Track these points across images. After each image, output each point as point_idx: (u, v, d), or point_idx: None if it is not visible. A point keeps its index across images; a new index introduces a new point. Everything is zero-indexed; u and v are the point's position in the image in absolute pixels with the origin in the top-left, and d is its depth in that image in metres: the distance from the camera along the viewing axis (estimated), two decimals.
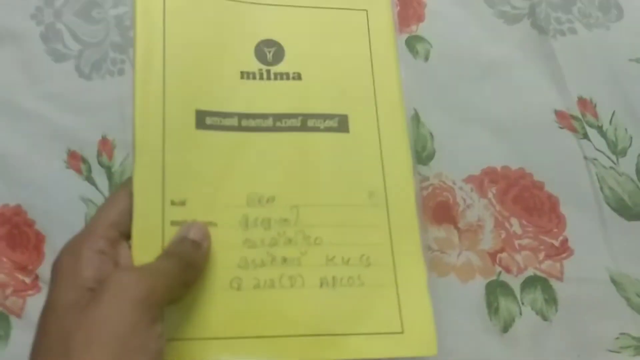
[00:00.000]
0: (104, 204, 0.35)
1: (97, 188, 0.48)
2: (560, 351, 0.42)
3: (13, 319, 0.46)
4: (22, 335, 0.45)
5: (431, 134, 0.48)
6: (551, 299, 0.43)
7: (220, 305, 0.33)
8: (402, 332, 0.34)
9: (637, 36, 0.50)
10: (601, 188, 0.45)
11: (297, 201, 0.36)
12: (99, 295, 0.28)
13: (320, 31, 0.40)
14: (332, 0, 0.40)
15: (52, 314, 0.29)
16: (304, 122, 0.37)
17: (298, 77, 0.38)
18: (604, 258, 0.44)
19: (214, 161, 0.35)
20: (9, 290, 0.46)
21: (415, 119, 0.48)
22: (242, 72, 0.38)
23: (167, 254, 0.32)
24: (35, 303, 0.46)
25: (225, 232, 0.34)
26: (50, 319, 0.29)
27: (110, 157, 0.49)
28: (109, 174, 0.49)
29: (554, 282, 0.43)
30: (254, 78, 0.38)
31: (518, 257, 0.44)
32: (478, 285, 0.44)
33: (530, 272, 0.44)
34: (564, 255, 0.44)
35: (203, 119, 0.36)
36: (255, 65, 0.38)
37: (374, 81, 0.39)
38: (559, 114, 0.48)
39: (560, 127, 0.47)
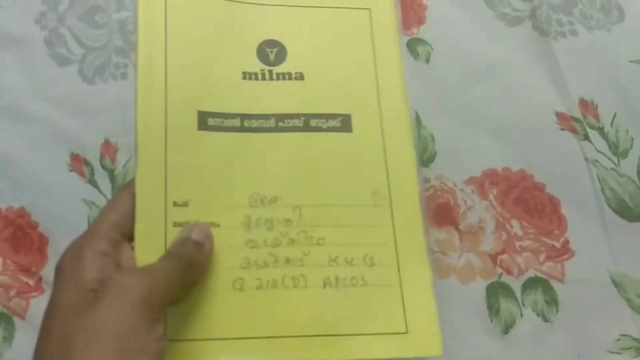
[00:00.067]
0: (107, 205, 0.35)
1: (99, 190, 0.48)
2: (561, 352, 0.42)
3: (17, 321, 0.46)
4: (26, 337, 0.45)
5: (432, 136, 0.48)
6: (552, 301, 0.43)
7: (222, 305, 0.33)
8: (406, 332, 0.34)
9: (638, 38, 0.50)
10: (602, 189, 0.45)
11: (299, 201, 0.36)
12: (100, 296, 0.29)
13: (323, 31, 0.39)
14: None
15: (55, 316, 0.29)
16: (307, 122, 0.37)
17: (300, 77, 0.38)
18: (605, 259, 0.44)
19: (216, 162, 0.35)
20: (12, 292, 0.47)
21: (417, 121, 0.48)
22: (244, 73, 0.37)
23: (169, 254, 0.32)
24: (39, 305, 0.46)
25: (227, 233, 0.34)
26: (53, 321, 0.29)
27: (113, 160, 0.49)
28: (112, 177, 0.49)
29: (554, 284, 0.43)
30: (256, 79, 0.37)
31: (519, 259, 0.44)
32: (479, 286, 0.44)
33: (531, 273, 0.44)
34: (564, 256, 0.44)
35: (205, 120, 0.36)
36: (257, 66, 0.38)
37: (377, 80, 0.39)
38: (560, 116, 0.48)
39: (562, 129, 0.47)
